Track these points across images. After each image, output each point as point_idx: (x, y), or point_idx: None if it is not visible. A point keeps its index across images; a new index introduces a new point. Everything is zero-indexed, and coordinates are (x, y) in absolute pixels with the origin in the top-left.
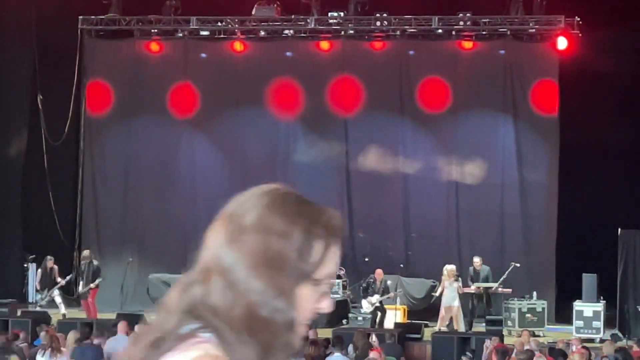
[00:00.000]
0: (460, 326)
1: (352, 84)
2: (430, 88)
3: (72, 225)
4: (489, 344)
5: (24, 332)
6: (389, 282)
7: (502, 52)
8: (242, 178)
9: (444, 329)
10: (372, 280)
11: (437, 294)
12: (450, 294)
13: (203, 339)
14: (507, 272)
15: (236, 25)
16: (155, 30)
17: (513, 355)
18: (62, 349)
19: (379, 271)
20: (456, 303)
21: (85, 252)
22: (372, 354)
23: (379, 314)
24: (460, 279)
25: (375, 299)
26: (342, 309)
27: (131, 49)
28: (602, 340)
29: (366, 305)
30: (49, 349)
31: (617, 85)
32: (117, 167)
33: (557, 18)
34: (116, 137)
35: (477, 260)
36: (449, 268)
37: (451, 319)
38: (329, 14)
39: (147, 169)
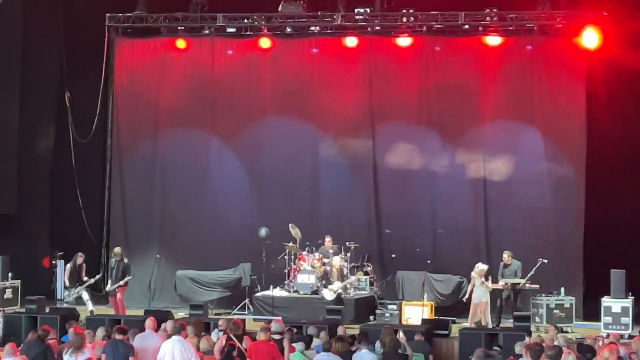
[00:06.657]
0: (487, 320)
1: (379, 80)
2: (457, 84)
3: (99, 222)
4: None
5: (52, 330)
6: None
7: (529, 47)
8: (269, 176)
9: (473, 325)
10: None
11: (466, 298)
12: (478, 291)
13: None
14: (534, 269)
15: (262, 22)
16: (182, 28)
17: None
18: (87, 345)
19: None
20: (485, 299)
21: (117, 250)
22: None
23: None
24: (489, 277)
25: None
26: (369, 306)
27: (158, 46)
28: (630, 337)
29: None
30: (71, 348)
31: None
32: (144, 164)
33: (584, 13)
34: (143, 134)
35: (505, 255)
36: (480, 267)
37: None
38: (355, 10)
39: (174, 166)
